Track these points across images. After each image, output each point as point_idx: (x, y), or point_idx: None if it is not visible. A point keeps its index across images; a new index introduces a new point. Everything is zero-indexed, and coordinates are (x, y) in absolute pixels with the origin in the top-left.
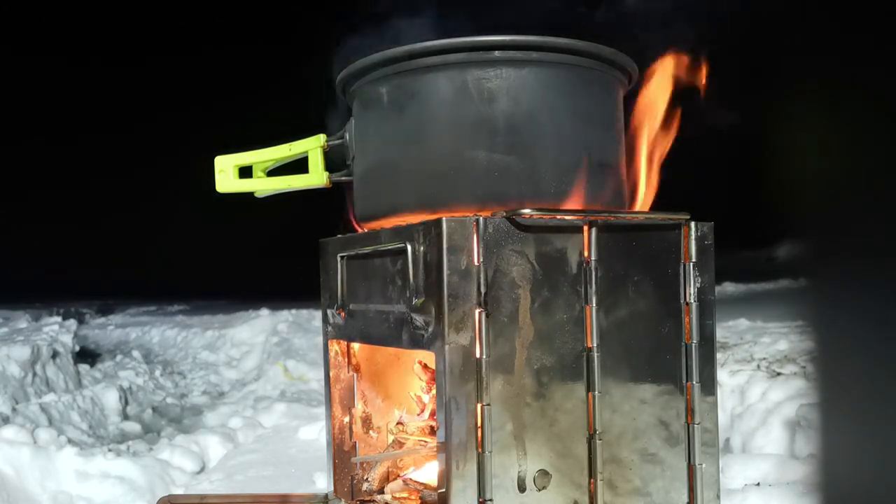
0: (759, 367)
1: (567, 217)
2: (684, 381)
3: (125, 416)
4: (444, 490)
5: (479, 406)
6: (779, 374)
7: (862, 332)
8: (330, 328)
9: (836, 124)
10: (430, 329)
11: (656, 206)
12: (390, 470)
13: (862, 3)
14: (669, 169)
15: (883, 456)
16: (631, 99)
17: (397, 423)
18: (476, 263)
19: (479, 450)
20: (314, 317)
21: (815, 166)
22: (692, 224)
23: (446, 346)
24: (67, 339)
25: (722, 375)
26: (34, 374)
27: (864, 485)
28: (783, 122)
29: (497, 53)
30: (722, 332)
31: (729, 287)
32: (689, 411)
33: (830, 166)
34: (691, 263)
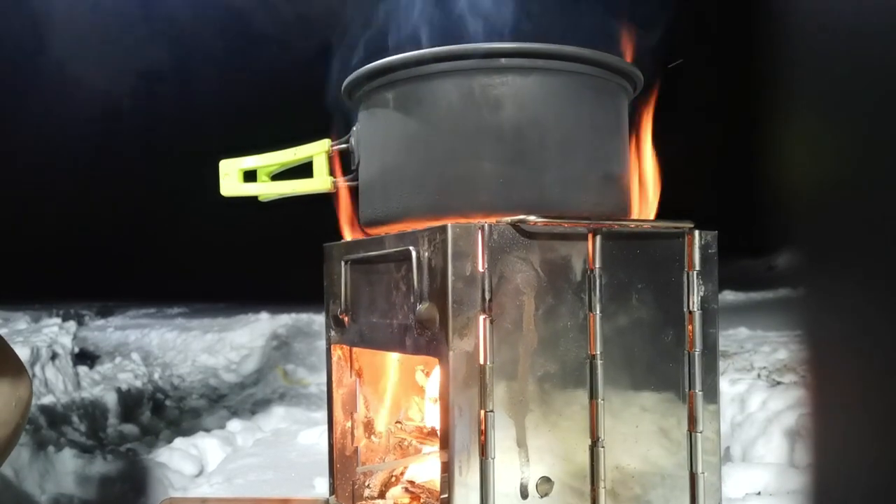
0: (759, 375)
1: (572, 225)
2: (687, 390)
3: (124, 419)
4: (446, 496)
5: (482, 412)
6: (779, 382)
7: (861, 340)
8: (333, 333)
9: (836, 132)
10: (434, 335)
11: (660, 214)
12: (392, 474)
13: (861, 6)
14: (671, 177)
15: (882, 465)
16: (636, 106)
17: (396, 422)
18: (481, 270)
19: (482, 456)
20: (314, 321)
21: (815, 175)
22: (696, 233)
23: (450, 352)
24: (67, 340)
25: (722, 384)
26: (33, 376)
27: (863, 493)
28: (783, 130)
29: (503, 61)
30: (722, 340)
31: (729, 295)
32: (692, 420)
33: (831, 175)
34: (695, 272)
